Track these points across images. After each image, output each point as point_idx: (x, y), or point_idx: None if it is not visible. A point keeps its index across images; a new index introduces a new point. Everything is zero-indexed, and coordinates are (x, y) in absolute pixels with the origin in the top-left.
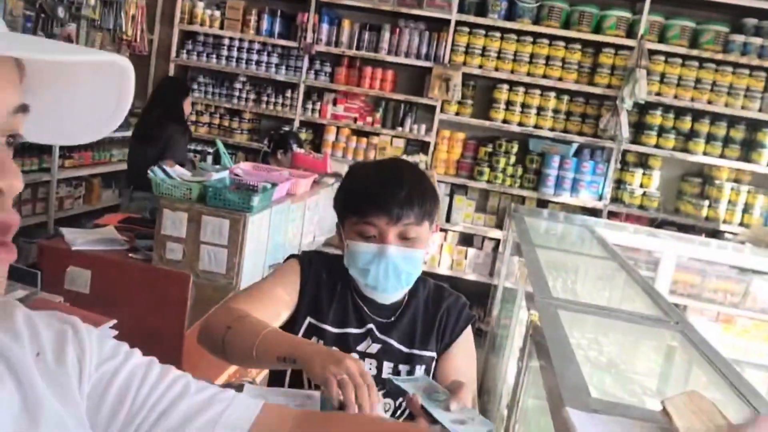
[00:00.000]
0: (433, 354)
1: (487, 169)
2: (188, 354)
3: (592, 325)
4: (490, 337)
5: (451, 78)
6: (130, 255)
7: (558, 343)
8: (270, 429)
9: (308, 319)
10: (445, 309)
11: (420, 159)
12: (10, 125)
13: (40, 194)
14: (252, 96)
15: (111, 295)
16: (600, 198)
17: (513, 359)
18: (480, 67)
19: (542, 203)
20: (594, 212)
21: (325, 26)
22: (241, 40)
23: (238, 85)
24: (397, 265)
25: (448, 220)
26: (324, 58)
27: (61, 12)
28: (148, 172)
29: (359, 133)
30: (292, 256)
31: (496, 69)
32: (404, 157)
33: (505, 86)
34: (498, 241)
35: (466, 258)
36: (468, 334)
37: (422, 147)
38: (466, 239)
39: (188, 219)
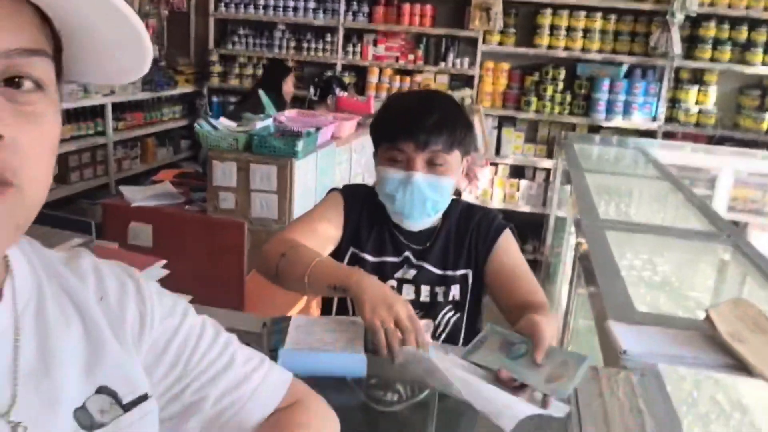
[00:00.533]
0: (466, 271)
1: (534, 99)
2: (249, 297)
3: (644, 245)
4: (544, 267)
5: (491, 7)
6: (186, 207)
7: (603, 262)
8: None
9: (351, 249)
10: (475, 224)
11: (465, 94)
12: (9, 68)
13: (99, 157)
14: (292, 44)
15: (172, 247)
16: (654, 119)
17: (565, 286)
18: None
19: (594, 129)
20: (648, 134)
21: None
22: None
23: (277, 34)
24: (422, 192)
25: (497, 153)
26: None
27: None
28: (195, 125)
29: (402, 72)
30: (333, 189)
31: None
32: (449, 92)
33: (549, 10)
34: (549, 171)
35: (518, 190)
36: (504, 240)
37: (466, 81)
38: (518, 171)
39: (237, 168)
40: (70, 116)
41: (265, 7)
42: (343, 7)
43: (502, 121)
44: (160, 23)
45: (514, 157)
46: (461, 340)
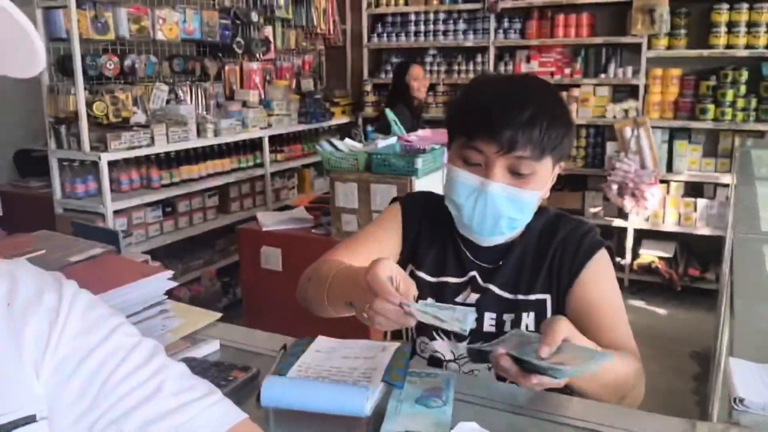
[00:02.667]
0: (545, 296)
1: (711, 106)
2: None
3: None
4: (726, 297)
5: (655, 8)
6: (312, 231)
7: (748, 281)
8: None
9: (409, 267)
10: (560, 241)
11: (629, 105)
12: None
13: (258, 188)
14: (443, 67)
15: (299, 270)
16: None
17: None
18: None
19: None
20: None
21: None
22: (426, 12)
23: (428, 59)
24: (498, 207)
25: (669, 169)
26: (512, 14)
27: (254, 16)
28: (317, 147)
29: (559, 87)
30: (395, 199)
31: None
32: (612, 105)
33: (725, 5)
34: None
35: (695, 210)
36: (597, 264)
37: (631, 92)
38: (695, 189)
39: (358, 189)
40: (231, 150)
41: (416, 33)
42: (493, 26)
43: (674, 134)
44: (318, 58)
45: (690, 173)
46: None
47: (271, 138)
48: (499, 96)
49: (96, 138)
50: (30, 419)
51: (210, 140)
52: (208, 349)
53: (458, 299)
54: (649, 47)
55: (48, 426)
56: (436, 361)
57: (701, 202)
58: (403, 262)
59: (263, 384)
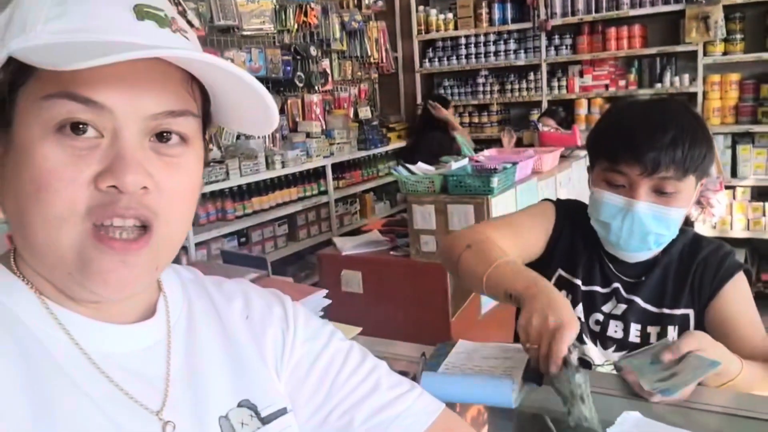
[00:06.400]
0: (687, 311)
1: None
2: (456, 339)
3: None
4: None
5: (709, 15)
6: (391, 253)
7: None
8: None
9: (559, 271)
10: (701, 261)
11: None
12: (157, 126)
13: (323, 215)
14: (496, 87)
15: (380, 292)
16: None
17: None
18: None
19: None
20: None
21: None
22: (476, 35)
23: (480, 80)
24: (644, 225)
25: (734, 174)
26: (562, 31)
27: (313, 51)
28: (391, 171)
29: (613, 99)
30: (546, 199)
31: None
32: None
33: None
34: None
35: (764, 215)
36: (735, 285)
37: (689, 99)
38: (762, 193)
39: (435, 210)
40: (297, 179)
41: (467, 56)
42: (544, 43)
43: (737, 139)
44: (372, 86)
45: (756, 177)
46: None
47: (333, 165)
48: (641, 120)
49: None
50: (283, 411)
51: (278, 171)
52: None
53: (605, 308)
54: (705, 54)
55: (294, 417)
56: (584, 364)
57: None
58: (551, 266)
59: (422, 380)
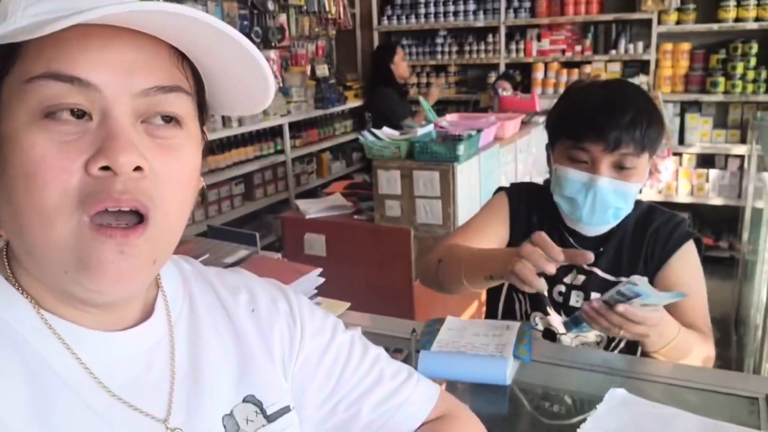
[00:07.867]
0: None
1: (721, 79)
2: (419, 304)
3: None
4: (741, 265)
5: None
6: (355, 217)
7: None
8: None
9: None
10: (654, 231)
11: (641, 81)
12: (148, 106)
13: (279, 174)
14: (454, 48)
15: (344, 256)
16: None
17: (764, 288)
18: None
19: None
20: None
21: None
22: None
23: (439, 41)
24: (606, 199)
25: (681, 142)
26: None
27: (270, 5)
28: (359, 137)
29: (569, 65)
30: (500, 188)
31: None
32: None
33: None
34: (744, 158)
35: (707, 181)
36: (685, 253)
37: (642, 67)
38: (706, 160)
39: (401, 176)
40: (253, 138)
41: (426, 15)
42: (503, 6)
43: (685, 107)
44: (329, 43)
45: (701, 145)
46: (638, 352)
47: (290, 124)
48: (604, 102)
49: None
50: (287, 409)
51: (234, 130)
52: None
53: (566, 280)
54: (659, 22)
55: (296, 414)
56: (550, 334)
57: (713, 173)
58: (512, 244)
59: (420, 358)
